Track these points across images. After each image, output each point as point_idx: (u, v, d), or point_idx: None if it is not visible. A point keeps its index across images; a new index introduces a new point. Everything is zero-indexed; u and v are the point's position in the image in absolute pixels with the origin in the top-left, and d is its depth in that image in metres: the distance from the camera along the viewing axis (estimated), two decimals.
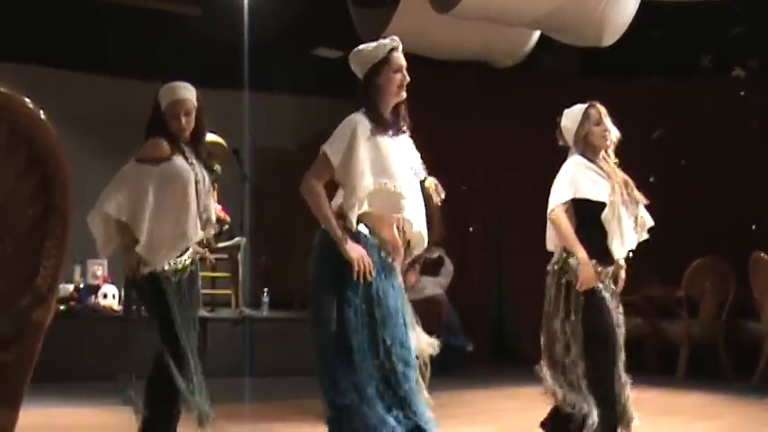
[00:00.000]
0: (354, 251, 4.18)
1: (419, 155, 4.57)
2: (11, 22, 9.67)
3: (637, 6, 8.17)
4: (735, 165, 10.76)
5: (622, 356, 5.36)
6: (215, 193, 9.68)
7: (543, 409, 6.89)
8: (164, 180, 5.12)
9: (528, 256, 11.06)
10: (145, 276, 5.12)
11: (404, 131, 4.46)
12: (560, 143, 5.59)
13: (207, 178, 5.44)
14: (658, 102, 10.70)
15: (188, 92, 5.33)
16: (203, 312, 9.18)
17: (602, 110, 5.43)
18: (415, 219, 4.33)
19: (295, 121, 11.73)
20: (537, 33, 9.21)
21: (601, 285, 5.26)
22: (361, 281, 4.17)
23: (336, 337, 4.20)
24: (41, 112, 1.91)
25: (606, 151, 5.44)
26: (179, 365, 5.09)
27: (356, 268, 4.16)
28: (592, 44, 8.70)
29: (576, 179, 5.36)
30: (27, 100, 1.90)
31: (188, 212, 5.17)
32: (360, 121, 4.32)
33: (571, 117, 5.50)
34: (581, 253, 5.25)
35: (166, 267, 5.17)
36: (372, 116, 4.36)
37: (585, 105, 5.45)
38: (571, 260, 5.31)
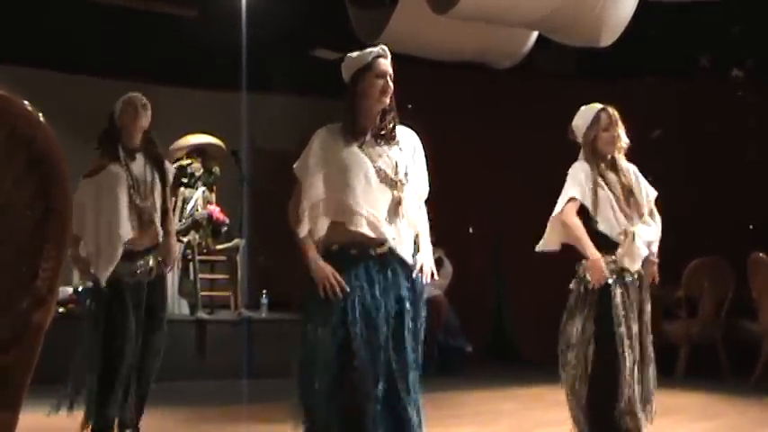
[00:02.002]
0: (321, 272, 4.28)
1: (420, 163, 4.58)
2: (7, 24, 9.67)
3: (635, 6, 8.17)
4: (733, 165, 10.77)
5: (652, 363, 5.36)
6: (213, 195, 9.74)
7: (542, 410, 6.91)
8: (98, 188, 5.48)
9: (527, 257, 11.08)
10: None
11: (390, 139, 4.47)
12: (571, 138, 5.58)
13: (156, 178, 5.71)
14: (656, 102, 10.70)
15: (140, 96, 5.72)
16: (202, 314, 9.18)
17: (615, 115, 5.41)
18: (372, 226, 4.32)
19: (293, 122, 11.69)
20: (535, 34, 9.20)
21: (610, 280, 5.25)
22: (331, 298, 4.24)
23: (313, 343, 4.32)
24: (40, 114, 1.91)
25: (615, 155, 5.44)
26: (90, 365, 5.52)
27: (321, 288, 4.25)
28: (590, 44, 8.70)
29: (583, 183, 5.36)
30: (26, 102, 1.90)
31: (119, 214, 5.47)
32: (321, 135, 4.44)
33: (582, 117, 5.50)
34: (590, 251, 5.27)
35: (122, 270, 5.51)
36: (347, 123, 4.43)
37: (598, 108, 5.44)
38: (584, 261, 5.33)
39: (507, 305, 11.53)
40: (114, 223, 5.43)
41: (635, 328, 5.27)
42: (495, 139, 11.03)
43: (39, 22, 9.87)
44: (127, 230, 5.48)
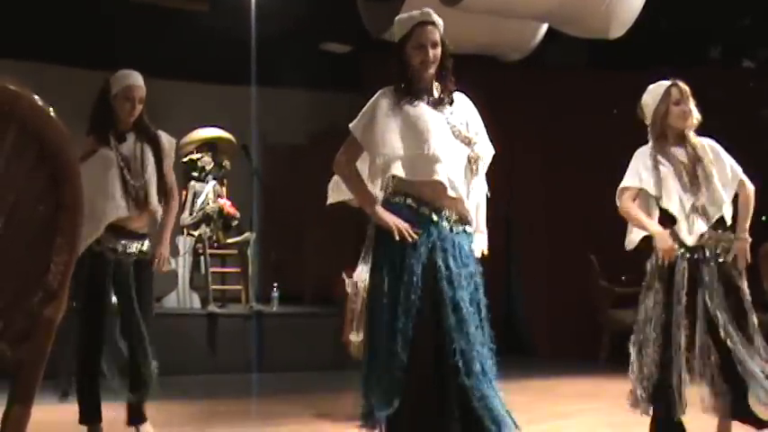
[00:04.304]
0: (388, 218, 4.14)
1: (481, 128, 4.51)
2: (19, 20, 9.70)
3: None
4: (744, 155, 10.72)
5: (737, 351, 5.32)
6: (223, 189, 9.75)
7: (554, 402, 6.90)
8: (87, 172, 5.31)
9: (538, 250, 11.10)
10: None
11: (448, 101, 4.36)
12: (639, 117, 5.53)
13: (147, 155, 5.60)
14: None
15: (141, 80, 5.57)
16: (214, 308, 9.20)
17: (686, 90, 5.36)
18: (451, 183, 4.21)
19: (304, 116, 11.74)
20: (544, 26, 9.19)
21: (679, 253, 5.19)
22: (408, 240, 4.10)
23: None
24: (51, 109, 1.91)
25: (685, 131, 5.39)
26: (71, 348, 5.44)
27: (394, 230, 4.09)
28: (599, 36, 8.68)
29: (639, 171, 5.30)
30: (36, 97, 1.90)
31: (106, 195, 5.38)
32: (383, 94, 4.29)
33: (652, 94, 5.44)
34: (653, 227, 5.19)
35: (106, 244, 5.44)
36: (403, 87, 4.30)
37: (669, 83, 5.40)
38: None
39: (519, 297, 11.52)
40: (101, 203, 5.33)
41: (703, 309, 5.18)
42: (504, 132, 10.97)
43: (50, 18, 9.89)
44: (117, 208, 5.41)
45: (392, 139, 4.17)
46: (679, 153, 5.34)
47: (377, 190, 4.30)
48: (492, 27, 8.85)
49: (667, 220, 5.28)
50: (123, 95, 5.48)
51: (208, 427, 6.37)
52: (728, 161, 5.47)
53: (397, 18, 4.38)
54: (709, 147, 5.45)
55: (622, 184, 5.34)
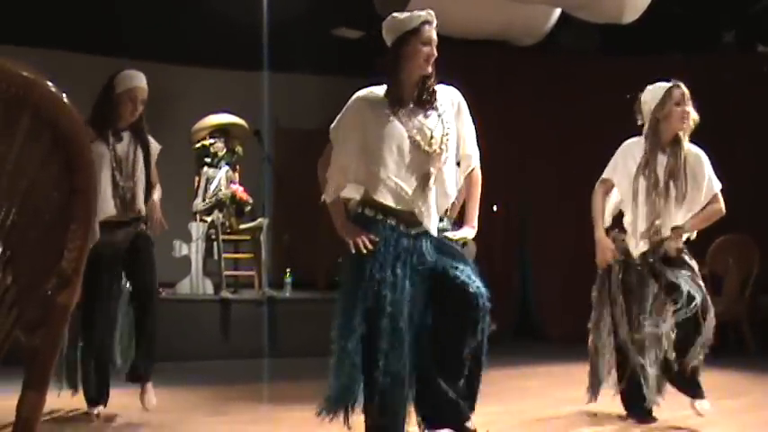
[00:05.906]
0: (349, 230, 4.39)
1: (465, 121, 4.59)
2: (29, 7, 9.69)
3: None
4: (758, 140, 10.70)
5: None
6: (236, 175, 9.76)
7: (567, 387, 6.90)
8: None
9: (551, 235, 11.09)
10: None
11: (430, 105, 4.43)
12: (636, 118, 5.59)
13: (139, 156, 5.73)
14: (680, 79, 10.59)
15: (145, 81, 5.70)
16: (227, 294, 9.21)
17: (686, 91, 5.42)
18: (398, 199, 4.34)
19: (316, 102, 11.72)
20: (557, 11, 9.16)
21: (613, 261, 5.41)
22: (363, 251, 4.29)
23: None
24: (64, 95, 1.91)
25: (680, 135, 5.43)
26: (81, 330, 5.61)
27: (352, 244, 4.32)
28: (612, 21, 8.65)
29: (618, 164, 5.46)
30: (50, 83, 1.90)
31: (100, 193, 5.46)
32: (359, 99, 4.43)
33: (653, 93, 5.50)
34: (597, 231, 5.45)
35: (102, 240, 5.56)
36: (389, 89, 4.40)
37: (670, 84, 5.45)
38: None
39: (532, 284, 11.51)
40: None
41: (640, 307, 5.40)
42: (518, 118, 10.98)
43: (60, 4, 9.89)
44: (108, 208, 5.55)
45: (349, 151, 4.38)
46: (662, 164, 5.39)
47: (329, 192, 4.49)
48: (505, 12, 8.83)
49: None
50: (126, 96, 5.62)
51: (220, 411, 6.39)
52: (708, 173, 5.51)
53: (395, 15, 4.44)
54: (695, 157, 5.49)
55: (604, 175, 5.50)
